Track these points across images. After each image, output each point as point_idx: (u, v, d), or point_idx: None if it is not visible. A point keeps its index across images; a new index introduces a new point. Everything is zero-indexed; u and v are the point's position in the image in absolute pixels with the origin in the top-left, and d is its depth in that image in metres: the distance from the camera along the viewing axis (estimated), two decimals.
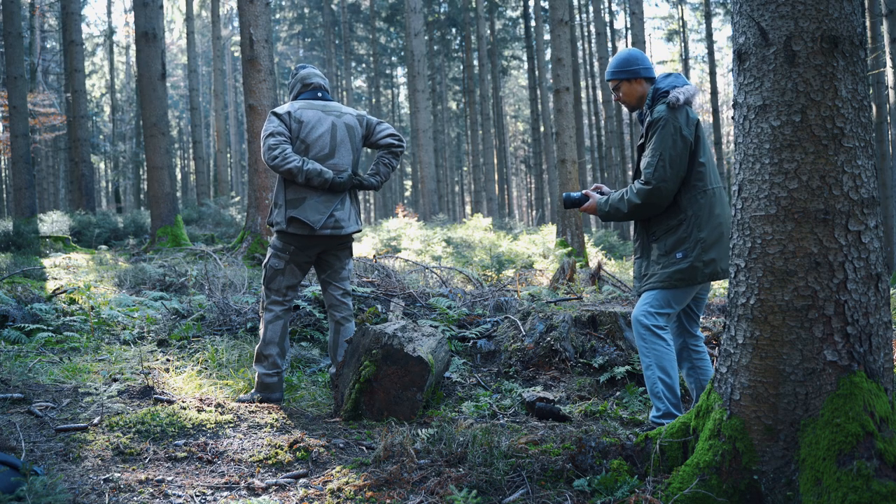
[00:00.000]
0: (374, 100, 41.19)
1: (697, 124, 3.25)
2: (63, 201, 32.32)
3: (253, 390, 3.99)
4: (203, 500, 2.57)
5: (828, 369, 2.21)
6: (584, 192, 3.56)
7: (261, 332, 4.01)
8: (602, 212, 3.41)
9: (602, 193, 3.59)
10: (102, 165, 42.38)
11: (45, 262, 10.32)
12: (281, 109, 3.99)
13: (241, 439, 3.17)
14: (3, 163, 30.60)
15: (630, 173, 29.34)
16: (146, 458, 2.92)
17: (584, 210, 3.51)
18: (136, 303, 6.50)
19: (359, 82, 47.88)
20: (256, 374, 3.95)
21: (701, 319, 5.91)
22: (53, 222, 15.15)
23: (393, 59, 43.00)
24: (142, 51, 12.44)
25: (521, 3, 33.58)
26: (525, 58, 39.46)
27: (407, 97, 35.79)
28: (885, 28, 10.31)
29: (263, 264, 4.08)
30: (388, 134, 4.20)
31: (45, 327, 5.27)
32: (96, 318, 5.63)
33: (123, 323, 5.71)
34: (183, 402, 3.57)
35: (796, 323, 2.24)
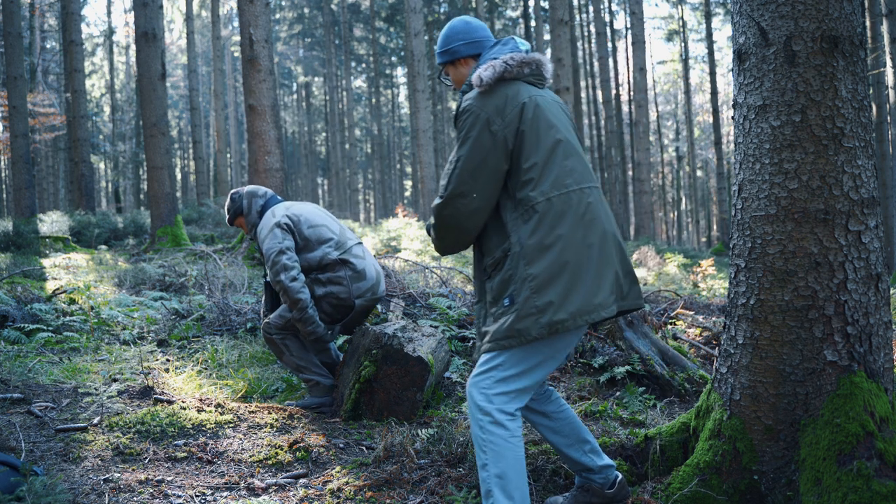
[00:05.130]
0: (374, 100, 41.19)
1: (523, 109, 2.22)
2: (63, 201, 32.30)
3: (308, 396, 3.90)
4: (203, 500, 2.57)
5: (828, 369, 2.21)
6: None
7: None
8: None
9: None
10: (102, 165, 42.37)
11: (45, 262, 10.32)
12: (280, 219, 3.77)
13: (241, 439, 3.17)
14: (3, 163, 30.60)
15: (630, 174, 29.27)
16: (146, 458, 2.92)
17: None
18: (136, 303, 6.50)
19: (359, 82, 47.88)
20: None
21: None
22: (53, 222, 15.13)
23: (393, 59, 42.98)
24: (142, 51, 12.43)
25: (521, 3, 33.58)
26: None
27: (407, 97, 35.79)
28: (885, 28, 10.30)
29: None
30: None
31: (45, 327, 5.27)
32: (96, 318, 5.62)
33: (123, 323, 5.71)
34: (183, 402, 3.57)
35: (796, 323, 2.24)
